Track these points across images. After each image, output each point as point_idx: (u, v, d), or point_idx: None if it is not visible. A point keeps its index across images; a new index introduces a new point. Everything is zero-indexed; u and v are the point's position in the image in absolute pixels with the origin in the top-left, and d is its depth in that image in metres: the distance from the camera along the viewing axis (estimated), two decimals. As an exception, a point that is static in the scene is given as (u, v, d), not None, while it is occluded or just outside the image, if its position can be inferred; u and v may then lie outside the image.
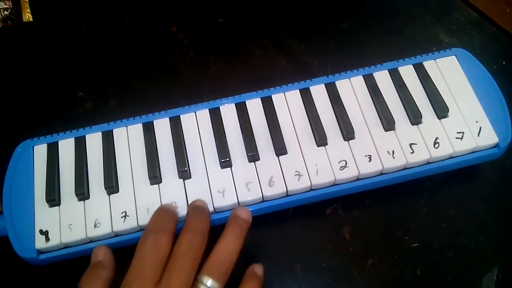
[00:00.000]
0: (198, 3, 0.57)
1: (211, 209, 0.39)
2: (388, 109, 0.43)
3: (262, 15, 0.55)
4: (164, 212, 0.36)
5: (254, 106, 0.44)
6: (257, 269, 0.37)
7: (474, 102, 0.43)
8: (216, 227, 0.36)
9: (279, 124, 0.43)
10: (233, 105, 0.44)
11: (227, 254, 0.34)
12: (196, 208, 0.37)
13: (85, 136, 0.43)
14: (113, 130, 0.43)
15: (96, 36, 0.55)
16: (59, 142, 0.43)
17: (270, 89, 0.45)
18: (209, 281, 0.32)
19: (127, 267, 0.33)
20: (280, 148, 0.41)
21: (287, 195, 0.40)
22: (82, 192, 0.40)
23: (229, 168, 0.41)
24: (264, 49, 0.53)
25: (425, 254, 0.42)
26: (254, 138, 0.42)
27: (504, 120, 0.42)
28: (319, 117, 0.43)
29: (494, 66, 0.50)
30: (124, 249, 0.40)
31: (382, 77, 0.45)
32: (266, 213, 0.41)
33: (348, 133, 0.42)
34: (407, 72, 0.45)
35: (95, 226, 0.39)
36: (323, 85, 0.45)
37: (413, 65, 0.45)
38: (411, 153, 0.41)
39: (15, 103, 0.51)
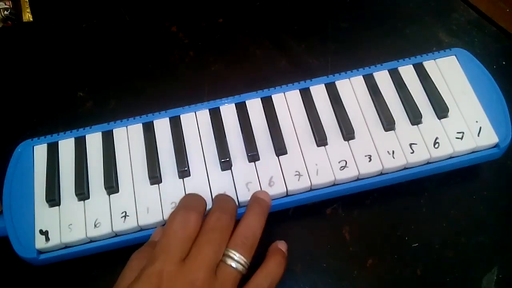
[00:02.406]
0: (198, 3, 0.57)
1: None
2: (388, 109, 0.43)
3: (262, 15, 0.55)
4: (194, 194, 0.37)
5: (254, 106, 0.44)
6: (281, 245, 0.38)
7: (474, 102, 0.43)
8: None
9: (279, 124, 0.43)
10: (233, 105, 0.44)
11: (251, 230, 0.35)
12: (221, 196, 0.38)
13: (85, 136, 0.43)
14: (113, 130, 0.43)
15: (96, 36, 0.55)
16: (59, 142, 0.43)
17: (270, 89, 0.45)
18: (236, 255, 0.33)
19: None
20: (280, 148, 0.41)
21: (287, 195, 0.40)
22: (82, 192, 0.40)
23: (229, 168, 0.41)
24: (264, 49, 0.53)
25: (425, 254, 0.42)
26: (254, 138, 0.42)
27: (504, 120, 0.42)
28: (319, 117, 0.43)
29: (494, 66, 0.50)
30: (124, 249, 0.40)
31: (382, 77, 0.45)
32: (266, 213, 0.41)
33: (348, 133, 0.42)
34: (407, 72, 0.45)
35: (95, 226, 0.39)
36: (323, 85, 0.45)
37: (413, 65, 0.45)
38: (411, 153, 0.41)
39: (15, 103, 0.51)
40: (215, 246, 0.33)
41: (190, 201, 0.36)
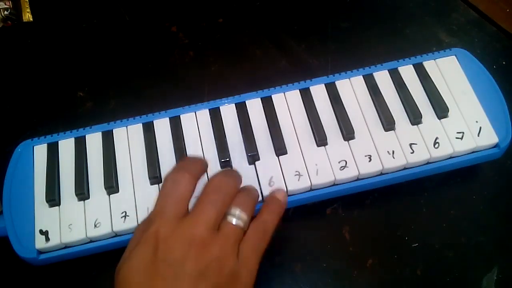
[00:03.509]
0: (198, 3, 0.57)
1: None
2: (388, 109, 0.43)
3: (262, 15, 0.55)
4: (191, 157, 0.37)
5: (254, 106, 0.44)
6: (278, 194, 0.37)
7: (474, 102, 0.43)
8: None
9: (279, 124, 0.43)
10: (233, 105, 0.44)
11: (251, 189, 0.36)
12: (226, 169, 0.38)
13: (85, 136, 0.43)
14: (113, 130, 0.43)
15: (96, 36, 0.55)
16: (59, 142, 0.43)
17: (270, 89, 0.45)
18: (237, 212, 0.33)
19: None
20: (280, 148, 0.41)
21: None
22: (82, 192, 0.40)
23: (229, 168, 0.41)
24: (264, 49, 0.53)
25: (425, 254, 0.42)
26: (254, 138, 0.42)
27: (504, 120, 0.42)
28: (319, 117, 0.43)
29: (494, 66, 0.50)
30: (124, 249, 0.40)
31: (382, 77, 0.45)
32: (266, 213, 0.41)
33: (348, 133, 0.42)
34: (407, 72, 0.45)
35: (95, 226, 0.39)
36: (323, 85, 0.45)
37: (413, 65, 0.45)
38: (411, 153, 0.41)
39: (15, 103, 0.51)
40: (216, 206, 0.32)
41: (184, 163, 0.36)
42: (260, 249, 0.33)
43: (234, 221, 0.33)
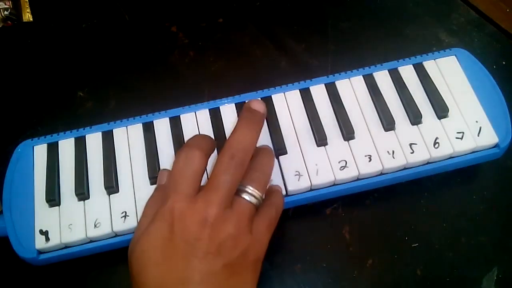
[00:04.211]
0: (198, 3, 0.57)
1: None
2: (388, 109, 0.43)
3: (262, 15, 0.55)
4: (200, 135, 0.37)
5: (254, 106, 0.44)
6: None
7: (474, 102, 0.43)
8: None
9: (279, 124, 0.43)
10: (233, 105, 0.44)
11: (265, 165, 0.36)
12: (248, 112, 0.36)
13: (85, 136, 0.43)
14: (113, 130, 0.43)
15: (96, 36, 0.55)
16: (59, 142, 0.43)
17: (270, 89, 0.45)
18: (250, 188, 0.33)
19: (128, 267, 0.33)
20: (280, 148, 0.41)
21: (287, 195, 0.40)
22: (82, 192, 0.40)
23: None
24: (264, 49, 0.53)
25: (425, 254, 0.42)
26: (254, 138, 0.42)
27: (504, 120, 0.42)
28: (319, 117, 0.43)
29: (494, 66, 0.50)
30: (124, 249, 0.40)
31: (382, 77, 0.45)
32: (266, 213, 0.41)
33: (348, 133, 0.42)
34: (407, 72, 0.45)
35: (95, 226, 0.39)
36: (323, 85, 0.45)
37: (413, 65, 0.45)
38: (411, 153, 0.41)
39: (15, 103, 0.51)
40: (229, 182, 0.32)
41: (195, 140, 0.35)
42: (272, 225, 0.35)
43: (247, 197, 0.33)
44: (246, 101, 0.38)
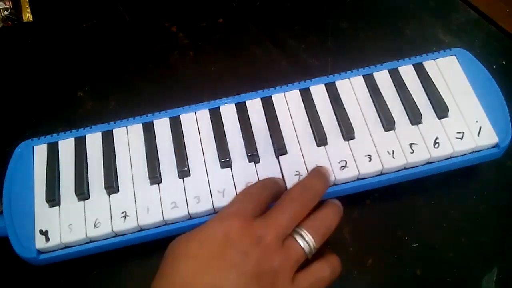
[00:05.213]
0: (198, 3, 0.57)
1: (210, 208, 0.39)
2: (388, 109, 0.43)
3: (262, 15, 0.55)
4: (272, 179, 0.37)
5: (254, 106, 0.44)
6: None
7: (474, 102, 0.43)
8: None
9: (279, 124, 0.43)
10: (233, 105, 0.44)
11: (328, 221, 0.34)
12: (317, 171, 0.36)
13: (85, 136, 0.43)
14: (113, 130, 0.43)
15: (96, 36, 0.55)
16: (59, 142, 0.43)
17: (270, 89, 0.45)
18: (307, 235, 0.32)
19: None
20: (280, 148, 0.41)
21: (287, 195, 0.40)
22: (82, 192, 0.40)
23: (229, 168, 0.41)
24: (264, 49, 0.53)
25: (425, 254, 0.42)
26: (254, 138, 0.42)
27: (504, 120, 0.42)
28: (319, 117, 0.43)
29: (494, 66, 0.50)
30: (124, 249, 0.40)
31: (382, 77, 0.45)
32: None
33: (348, 133, 0.42)
34: (407, 72, 0.45)
35: (95, 226, 0.39)
36: (323, 85, 0.45)
37: (413, 65, 0.45)
38: (411, 153, 0.41)
39: (15, 103, 0.51)
40: (290, 215, 0.32)
41: (267, 182, 0.36)
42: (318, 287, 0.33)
43: (302, 243, 0.31)
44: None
